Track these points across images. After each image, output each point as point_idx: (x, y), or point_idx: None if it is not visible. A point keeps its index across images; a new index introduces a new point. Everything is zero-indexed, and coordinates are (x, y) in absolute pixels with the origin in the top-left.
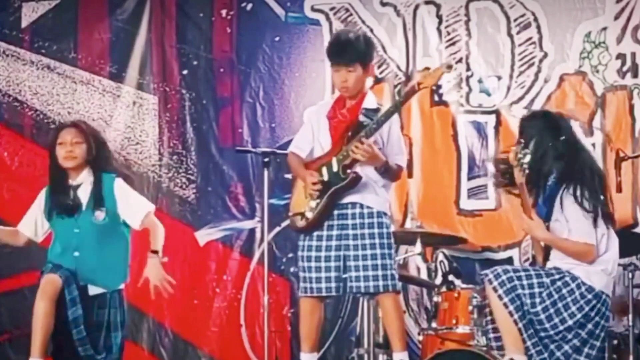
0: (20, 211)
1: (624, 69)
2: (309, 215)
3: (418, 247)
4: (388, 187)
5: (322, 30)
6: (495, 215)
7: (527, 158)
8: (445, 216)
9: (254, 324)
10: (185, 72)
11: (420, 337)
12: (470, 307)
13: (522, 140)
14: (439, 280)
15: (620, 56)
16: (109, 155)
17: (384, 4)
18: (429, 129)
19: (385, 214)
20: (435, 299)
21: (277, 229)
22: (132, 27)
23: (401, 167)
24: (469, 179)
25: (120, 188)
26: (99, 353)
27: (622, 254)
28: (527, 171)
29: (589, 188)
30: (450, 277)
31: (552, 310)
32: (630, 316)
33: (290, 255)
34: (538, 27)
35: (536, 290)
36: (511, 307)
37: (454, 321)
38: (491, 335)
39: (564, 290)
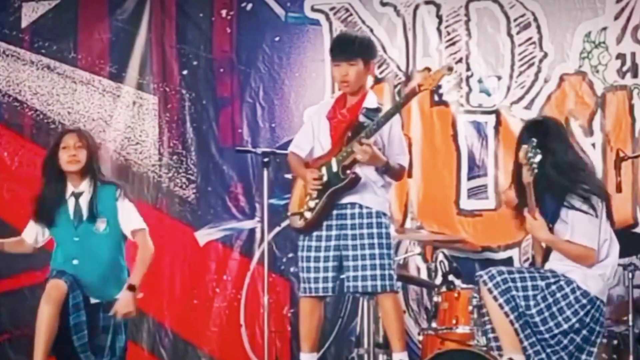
0: (20, 211)
1: (624, 69)
2: (308, 215)
3: (418, 247)
4: (387, 188)
5: (322, 30)
6: (495, 215)
7: (538, 158)
8: (445, 216)
9: (254, 324)
10: (185, 72)
11: (420, 337)
12: (470, 307)
13: (535, 140)
14: (439, 280)
15: (620, 56)
16: (98, 164)
17: (384, 4)
18: (429, 129)
19: (384, 214)
20: (435, 299)
21: (277, 229)
22: (132, 27)
23: (403, 167)
24: (469, 179)
25: (121, 199)
26: (102, 357)
27: (622, 254)
28: (535, 170)
29: (596, 192)
30: (450, 277)
31: (546, 314)
32: (630, 316)
33: (290, 255)
34: (538, 27)
35: (530, 293)
36: (507, 308)
37: (454, 321)
38: (491, 336)
39: (558, 295)
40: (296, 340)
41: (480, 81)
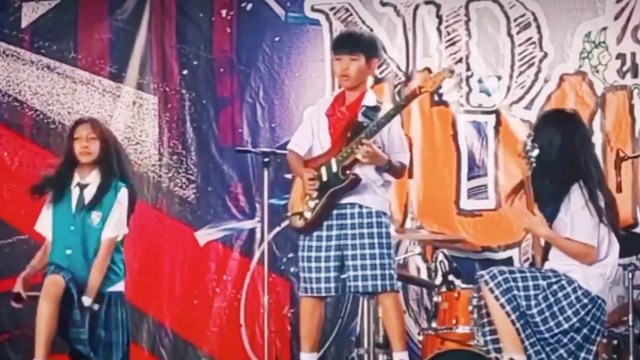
0: (20, 211)
1: (624, 69)
2: (308, 215)
3: (418, 247)
4: (387, 187)
5: (322, 30)
6: (495, 215)
7: (535, 152)
8: (445, 216)
9: (254, 324)
10: (185, 72)
11: (420, 337)
12: (470, 307)
13: (532, 134)
14: (439, 280)
15: (620, 56)
16: (125, 162)
17: (384, 4)
18: (429, 129)
19: (384, 213)
20: (435, 299)
21: (277, 229)
22: (132, 27)
23: (405, 165)
24: (469, 179)
25: (122, 199)
26: (98, 353)
27: (622, 254)
28: (534, 165)
29: (597, 189)
30: (450, 277)
31: (547, 313)
32: (630, 316)
33: (291, 255)
34: (538, 27)
35: (531, 292)
36: (508, 308)
37: (454, 321)
38: (488, 338)
39: (560, 294)
40: (296, 340)
41: (480, 81)
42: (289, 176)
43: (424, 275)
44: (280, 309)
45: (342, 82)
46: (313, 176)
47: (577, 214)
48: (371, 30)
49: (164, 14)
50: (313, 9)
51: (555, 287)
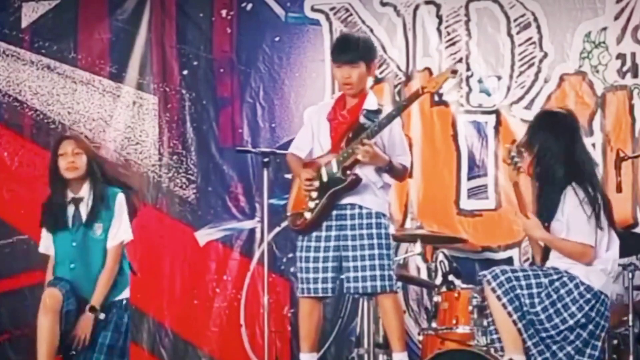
0: (20, 211)
1: (624, 69)
2: (308, 215)
3: (418, 247)
4: (387, 188)
5: (322, 30)
6: (495, 215)
7: (522, 157)
8: (445, 216)
9: (254, 324)
10: (185, 72)
11: (420, 337)
12: (470, 307)
13: (515, 140)
14: (439, 280)
15: (620, 56)
16: (103, 167)
17: (384, 4)
18: (429, 129)
19: (383, 214)
20: (435, 299)
21: (277, 229)
22: (132, 27)
23: (406, 167)
24: (469, 179)
25: (119, 206)
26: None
27: (622, 254)
28: (521, 170)
29: (592, 188)
30: (450, 277)
31: (551, 311)
32: (630, 316)
33: (290, 255)
34: (538, 27)
35: (534, 290)
36: (510, 308)
37: (454, 321)
38: (495, 336)
39: (562, 291)
40: (296, 340)
41: (480, 81)
42: (289, 176)
43: (424, 275)
44: (280, 309)
45: (344, 90)
46: (311, 176)
47: (572, 214)
48: (371, 30)
49: (164, 14)
50: (313, 9)
51: (557, 284)
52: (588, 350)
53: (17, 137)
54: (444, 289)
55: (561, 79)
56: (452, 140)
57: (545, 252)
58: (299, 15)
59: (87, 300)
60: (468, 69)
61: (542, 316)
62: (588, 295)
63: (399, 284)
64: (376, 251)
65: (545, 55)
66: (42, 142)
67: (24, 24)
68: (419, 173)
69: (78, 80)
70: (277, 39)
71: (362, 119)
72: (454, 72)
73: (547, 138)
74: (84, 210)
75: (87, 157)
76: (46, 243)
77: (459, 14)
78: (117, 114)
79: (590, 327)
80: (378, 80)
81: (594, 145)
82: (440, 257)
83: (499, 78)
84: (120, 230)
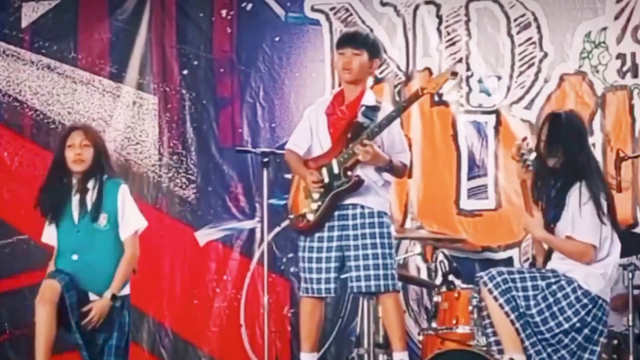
0: (20, 211)
1: (624, 69)
2: (310, 217)
3: (418, 247)
4: (387, 187)
5: (322, 30)
6: (495, 215)
7: (532, 155)
8: (445, 216)
9: (254, 324)
10: (185, 72)
11: (420, 337)
12: (470, 307)
13: (526, 137)
14: (439, 280)
15: (620, 56)
16: (109, 160)
17: (384, 4)
18: (429, 129)
19: (385, 213)
20: (435, 299)
21: (277, 229)
22: (132, 27)
23: (406, 165)
24: (469, 179)
25: (123, 195)
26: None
27: (622, 254)
28: (530, 168)
29: (599, 189)
30: (450, 277)
31: (547, 314)
32: (630, 316)
33: (290, 255)
34: (538, 27)
35: (530, 293)
36: (507, 308)
37: (454, 321)
38: (492, 339)
39: (559, 294)
40: (296, 340)
41: (480, 81)
42: (288, 176)
43: (424, 275)
44: (280, 309)
45: (343, 76)
46: (317, 179)
47: (577, 213)
48: (371, 30)
49: (164, 14)
50: (313, 9)
51: (554, 287)
52: (585, 355)
53: (17, 137)
54: (444, 289)
55: (561, 79)
56: (452, 140)
57: (548, 253)
58: (299, 15)
59: (87, 293)
60: (468, 69)
61: (538, 319)
62: (585, 300)
63: (400, 283)
64: (379, 250)
65: (545, 55)
66: (42, 142)
67: (24, 24)
68: (419, 173)
69: (78, 80)
70: (277, 39)
71: (360, 117)
72: (454, 73)
73: (552, 138)
74: (89, 201)
75: (94, 150)
76: (49, 231)
77: (459, 14)
78: (117, 114)
79: (586, 331)
80: (378, 80)
81: (594, 145)
82: (440, 257)
83: (499, 78)
84: (132, 219)
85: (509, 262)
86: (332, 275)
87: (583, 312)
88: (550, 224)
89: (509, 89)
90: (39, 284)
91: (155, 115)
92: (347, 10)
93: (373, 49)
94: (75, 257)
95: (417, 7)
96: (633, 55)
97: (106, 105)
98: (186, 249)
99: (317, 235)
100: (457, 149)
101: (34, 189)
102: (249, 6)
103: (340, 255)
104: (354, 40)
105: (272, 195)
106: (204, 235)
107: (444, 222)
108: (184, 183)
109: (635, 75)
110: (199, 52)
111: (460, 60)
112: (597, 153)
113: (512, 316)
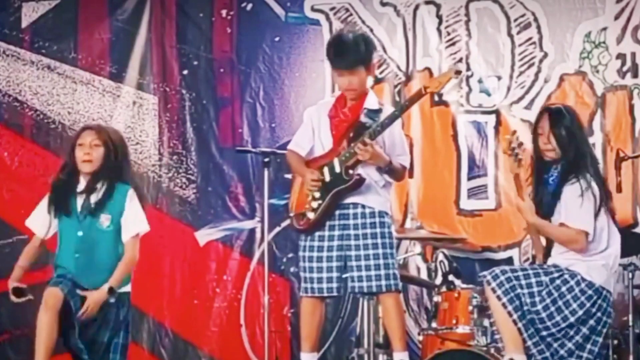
0: (20, 211)
1: (624, 69)
2: (311, 216)
3: (418, 247)
4: (389, 187)
5: (322, 30)
6: (495, 215)
7: (522, 148)
8: (445, 216)
9: (254, 324)
10: (185, 72)
11: (420, 337)
12: (470, 307)
13: (515, 130)
14: (439, 280)
15: (620, 56)
16: (129, 167)
17: (384, 4)
18: (429, 129)
19: (386, 213)
20: (435, 299)
21: (277, 229)
22: (132, 27)
23: (405, 167)
24: (469, 179)
25: (131, 199)
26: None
27: (622, 254)
28: (522, 162)
29: (595, 180)
30: (450, 277)
31: (553, 309)
32: (630, 316)
33: (291, 255)
34: (538, 27)
35: (535, 289)
36: (510, 307)
37: (454, 321)
38: (497, 337)
39: (563, 288)
40: (296, 340)
41: (480, 81)
42: (289, 176)
43: (424, 275)
44: (280, 309)
45: (347, 95)
46: (317, 177)
47: (571, 201)
48: (371, 30)
49: (164, 14)
50: (313, 9)
51: (558, 281)
52: (588, 346)
53: (17, 137)
54: (444, 289)
55: (561, 79)
56: (452, 140)
57: (547, 250)
58: (299, 15)
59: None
60: (468, 69)
61: (544, 314)
62: (589, 292)
63: (401, 283)
64: (380, 250)
65: (545, 55)
66: (42, 142)
67: (24, 24)
68: (419, 173)
69: (78, 80)
70: (277, 39)
71: (363, 118)
72: (458, 72)
73: (549, 131)
74: (94, 201)
75: (105, 150)
76: (38, 218)
77: (459, 14)
78: (117, 114)
79: (591, 322)
80: (378, 80)
81: (594, 145)
82: (440, 257)
83: (499, 78)
84: (135, 222)
85: (509, 262)
86: (333, 275)
87: (588, 304)
88: (545, 217)
89: (509, 89)
90: (39, 284)
91: (155, 115)
92: (347, 10)
93: (366, 58)
94: (77, 255)
95: (417, 7)
96: (633, 55)
97: (106, 105)
98: (186, 249)
99: (317, 234)
100: (457, 149)
101: (34, 189)
102: (249, 6)
103: (342, 254)
104: (346, 62)
105: (272, 195)
106: (204, 235)
107: (444, 222)
108: (184, 183)
109: (635, 75)
110: (199, 52)
111: (460, 60)
112: (597, 153)
113: (515, 316)
